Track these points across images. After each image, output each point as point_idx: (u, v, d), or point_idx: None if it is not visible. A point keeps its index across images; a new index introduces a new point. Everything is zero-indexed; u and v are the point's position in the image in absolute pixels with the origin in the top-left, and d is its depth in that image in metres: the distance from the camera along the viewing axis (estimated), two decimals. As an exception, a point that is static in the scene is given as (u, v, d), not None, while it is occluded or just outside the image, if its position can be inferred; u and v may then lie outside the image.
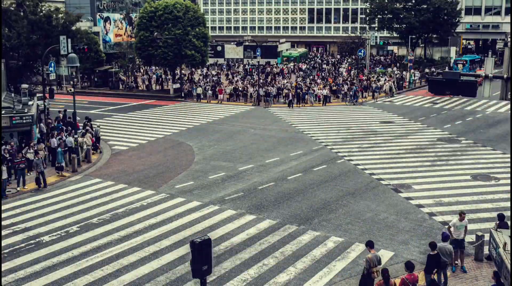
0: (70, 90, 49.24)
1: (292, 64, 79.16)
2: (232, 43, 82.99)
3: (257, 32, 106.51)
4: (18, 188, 24.24)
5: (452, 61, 70.34)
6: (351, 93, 50.00)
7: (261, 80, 55.50)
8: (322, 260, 17.21)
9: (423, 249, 17.95)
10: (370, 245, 14.56)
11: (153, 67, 67.87)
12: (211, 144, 33.27)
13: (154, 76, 64.17)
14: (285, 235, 19.14)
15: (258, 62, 59.72)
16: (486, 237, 16.94)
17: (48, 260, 17.10)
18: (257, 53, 58.91)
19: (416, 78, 61.96)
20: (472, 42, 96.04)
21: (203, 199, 22.95)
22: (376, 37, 71.37)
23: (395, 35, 77.40)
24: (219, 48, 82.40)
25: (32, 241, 18.57)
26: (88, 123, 33.47)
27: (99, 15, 64.80)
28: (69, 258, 17.29)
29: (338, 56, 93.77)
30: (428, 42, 79.14)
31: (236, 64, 79.54)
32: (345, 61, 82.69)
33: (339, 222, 20.32)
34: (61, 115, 36.78)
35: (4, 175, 23.62)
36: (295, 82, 54.93)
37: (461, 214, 16.50)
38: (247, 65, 75.83)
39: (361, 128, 38.18)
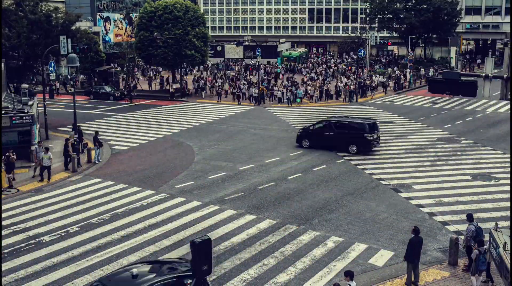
0: (70, 90, 49.26)
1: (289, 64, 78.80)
2: (232, 43, 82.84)
3: (257, 32, 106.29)
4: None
5: (452, 60, 70.10)
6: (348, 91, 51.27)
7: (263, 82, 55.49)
8: (322, 260, 17.21)
9: (423, 249, 17.92)
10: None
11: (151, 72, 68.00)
12: (211, 144, 33.26)
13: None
14: (285, 235, 19.15)
15: (258, 62, 59.52)
16: (486, 237, 16.94)
17: (48, 260, 17.10)
18: (257, 53, 58.76)
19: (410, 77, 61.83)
20: (472, 42, 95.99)
21: (203, 199, 22.94)
22: (376, 37, 71.23)
23: (395, 35, 77.34)
24: (219, 48, 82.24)
25: (32, 241, 18.56)
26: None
27: (99, 15, 64.70)
28: (69, 258, 17.28)
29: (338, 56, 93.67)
30: (428, 42, 79.08)
31: (238, 63, 79.42)
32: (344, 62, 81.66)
33: (339, 222, 20.32)
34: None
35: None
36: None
37: None
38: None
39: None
